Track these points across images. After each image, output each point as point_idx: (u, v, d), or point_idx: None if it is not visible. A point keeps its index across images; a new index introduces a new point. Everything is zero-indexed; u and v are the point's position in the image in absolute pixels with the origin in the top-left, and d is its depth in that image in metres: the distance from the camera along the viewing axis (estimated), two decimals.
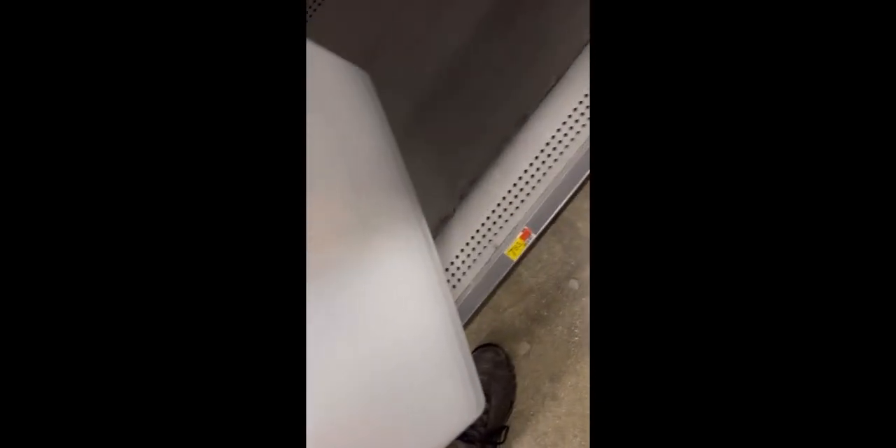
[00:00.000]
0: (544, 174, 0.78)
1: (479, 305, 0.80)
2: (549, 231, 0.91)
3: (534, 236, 0.76)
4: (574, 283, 0.82)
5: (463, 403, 0.63)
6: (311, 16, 0.98)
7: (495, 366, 0.76)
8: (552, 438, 0.74)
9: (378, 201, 0.67)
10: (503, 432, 0.72)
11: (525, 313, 0.82)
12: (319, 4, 0.98)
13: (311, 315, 0.46)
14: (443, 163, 0.84)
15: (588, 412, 0.75)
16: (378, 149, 0.72)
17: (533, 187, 0.77)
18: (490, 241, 0.77)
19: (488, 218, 0.77)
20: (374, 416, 0.52)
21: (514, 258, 0.75)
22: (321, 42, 0.63)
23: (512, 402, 0.75)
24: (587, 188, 0.88)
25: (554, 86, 0.84)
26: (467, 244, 0.78)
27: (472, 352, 0.80)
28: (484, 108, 0.85)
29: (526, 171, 0.78)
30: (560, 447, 0.74)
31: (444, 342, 0.66)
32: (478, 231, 0.77)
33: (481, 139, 0.83)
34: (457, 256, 0.80)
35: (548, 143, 0.79)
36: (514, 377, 0.77)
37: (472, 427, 0.72)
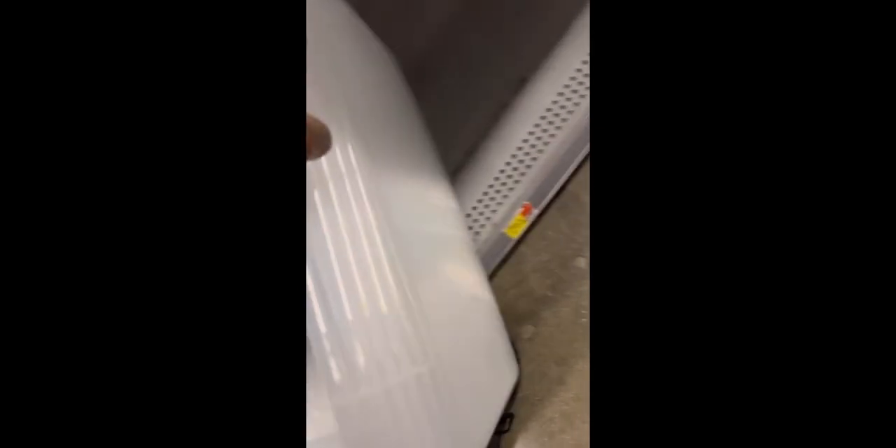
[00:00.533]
0: (546, 143, 0.71)
1: None
2: (553, 206, 0.85)
3: (536, 212, 0.70)
4: (581, 262, 0.77)
5: (508, 364, 0.63)
6: None
7: None
8: (559, 424, 0.70)
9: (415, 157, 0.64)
10: (508, 420, 0.68)
11: (529, 294, 0.77)
12: None
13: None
14: (434, 133, 0.77)
15: None
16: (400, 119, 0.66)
17: (534, 158, 0.71)
18: (488, 218, 0.71)
19: (485, 193, 0.71)
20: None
21: (515, 236, 0.70)
22: None
23: (516, 389, 0.71)
24: None
25: (556, 45, 0.76)
26: None
27: None
28: (479, 71, 0.78)
29: (525, 141, 0.71)
30: (568, 433, 0.70)
31: (489, 300, 0.66)
32: (474, 208, 0.72)
33: (476, 106, 0.76)
34: None
35: (549, 109, 0.71)
36: (517, 362, 0.72)
37: None
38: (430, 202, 0.62)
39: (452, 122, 0.76)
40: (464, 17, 0.79)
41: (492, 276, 0.79)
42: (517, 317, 0.76)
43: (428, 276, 0.50)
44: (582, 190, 0.79)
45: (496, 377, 0.59)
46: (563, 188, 0.79)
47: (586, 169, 0.80)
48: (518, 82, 0.75)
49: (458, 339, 0.52)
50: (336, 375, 0.39)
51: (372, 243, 0.41)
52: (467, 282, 0.62)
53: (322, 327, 0.39)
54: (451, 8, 0.80)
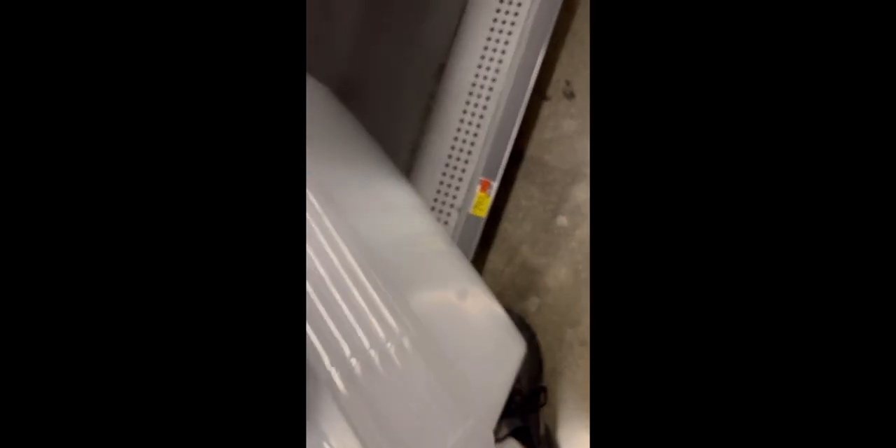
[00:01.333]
0: (481, 117, 0.71)
1: None
2: (518, 175, 0.84)
3: (495, 185, 0.69)
4: (562, 220, 0.75)
5: (510, 340, 0.63)
6: None
7: None
8: None
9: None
10: (542, 394, 0.67)
11: (523, 268, 0.76)
12: None
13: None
14: (379, 139, 0.78)
15: None
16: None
17: (475, 135, 0.71)
18: (451, 205, 0.71)
19: (441, 182, 0.71)
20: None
21: (483, 214, 0.69)
22: None
23: (541, 362, 0.70)
24: (539, 116, 0.80)
25: (459, 23, 0.76)
26: None
27: None
28: (400, 70, 0.79)
29: (462, 121, 0.71)
30: None
31: (479, 286, 0.66)
32: (435, 200, 0.72)
33: (406, 104, 0.76)
34: None
35: (474, 84, 0.71)
36: (534, 336, 0.71)
37: (510, 398, 0.67)
38: (394, 210, 0.64)
39: (391, 126, 0.77)
40: (367, 26, 0.81)
41: (483, 261, 0.78)
42: (520, 292, 0.75)
43: (407, 275, 0.53)
44: (542, 152, 0.78)
45: (498, 348, 0.61)
46: (521, 154, 0.79)
47: (538, 129, 0.79)
48: (438, 69, 0.76)
49: (449, 323, 0.54)
50: (323, 354, 0.41)
51: (341, 258, 0.46)
52: (448, 267, 0.63)
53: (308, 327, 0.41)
54: (354, 27, 0.81)
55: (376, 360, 0.42)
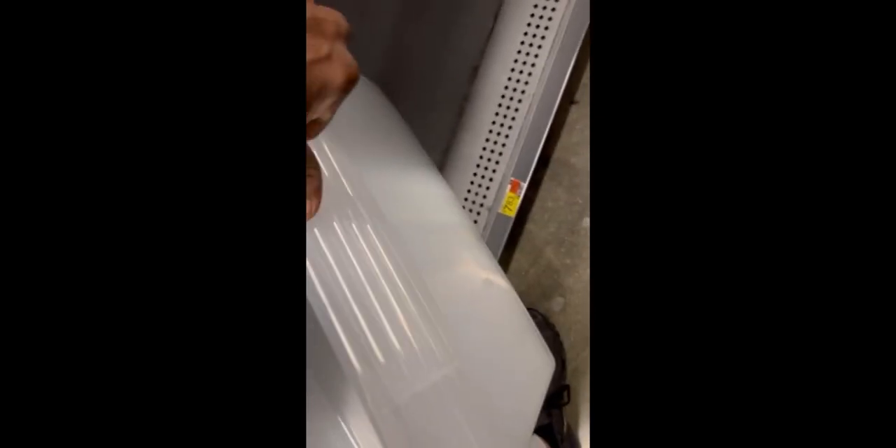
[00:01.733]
0: (513, 119, 0.72)
1: None
2: (545, 177, 0.86)
3: (524, 185, 0.71)
4: (587, 221, 0.76)
5: (540, 358, 0.62)
6: None
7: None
8: None
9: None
10: (564, 393, 0.68)
11: (548, 268, 0.77)
12: None
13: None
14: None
15: None
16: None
17: (506, 136, 0.72)
18: (481, 205, 0.72)
19: (472, 182, 0.73)
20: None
21: (512, 214, 0.71)
22: None
23: (564, 361, 0.71)
24: (567, 120, 0.81)
25: (493, 27, 0.78)
26: None
27: None
28: (431, 72, 0.80)
29: (494, 123, 0.73)
30: None
31: (508, 294, 0.65)
32: (466, 199, 0.73)
33: (439, 106, 0.78)
34: None
35: (506, 87, 0.73)
36: (557, 335, 0.72)
37: None
38: (427, 200, 0.64)
39: (424, 127, 0.78)
40: (401, 28, 0.82)
41: (508, 261, 0.80)
42: (544, 292, 0.76)
43: (438, 272, 0.51)
44: (568, 154, 0.80)
45: (529, 367, 0.58)
46: (548, 157, 0.80)
47: (566, 132, 0.80)
48: (471, 71, 0.77)
49: (482, 336, 0.53)
50: (364, 387, 0.40)
51: (377, 257, 0.44)
52: (480, 270, 0.63)
53: (346, 345, 0.40)
54: (389, 29, 0.83)
55: (420, 391, 0.40)
